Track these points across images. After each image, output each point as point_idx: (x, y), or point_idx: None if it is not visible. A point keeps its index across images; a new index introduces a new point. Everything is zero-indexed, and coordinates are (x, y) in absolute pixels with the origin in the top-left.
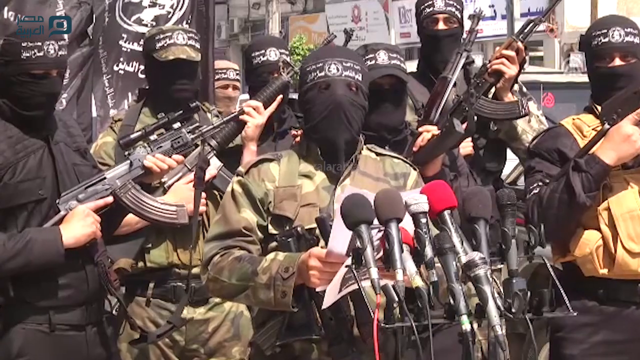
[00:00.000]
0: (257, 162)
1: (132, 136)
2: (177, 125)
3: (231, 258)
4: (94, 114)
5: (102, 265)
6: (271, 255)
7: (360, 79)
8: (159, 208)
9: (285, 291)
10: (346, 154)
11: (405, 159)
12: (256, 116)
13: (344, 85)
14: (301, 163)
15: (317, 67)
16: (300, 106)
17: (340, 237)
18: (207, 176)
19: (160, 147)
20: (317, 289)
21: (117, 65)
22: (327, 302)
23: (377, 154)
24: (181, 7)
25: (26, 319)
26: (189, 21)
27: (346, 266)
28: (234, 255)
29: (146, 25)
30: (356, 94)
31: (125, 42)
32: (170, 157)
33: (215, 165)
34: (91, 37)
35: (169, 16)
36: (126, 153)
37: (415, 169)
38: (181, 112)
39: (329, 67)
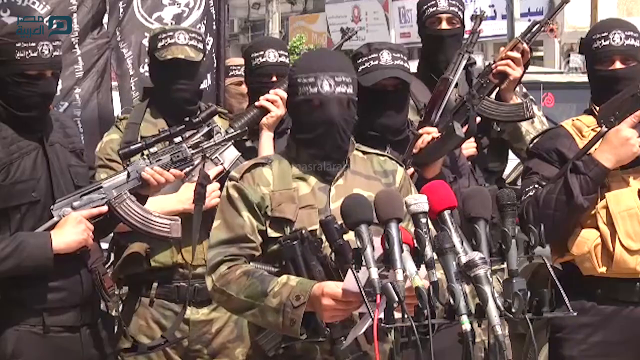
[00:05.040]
0: (250, 167)
1: (132, 147)
2: (178, 139)
3: (239, 272)
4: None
5: (97, 272)
6: (283, 279)
7: (351, 91)
8: (153, 221)
9: (294, 319)
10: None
11: (391, 156)
12: (280, 107)
13: (337, 104)
14: (293, 166)
15: (308, 81)
16: (291, 113)
17: (354, 276)
18: (218, 170)
19: (160, 160)
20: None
21: (143, 67)
22: (347, 342)
23: (364, 153)
24: (199, 7)
25: (19, 321)
26: (204, 22)
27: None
28: (242, 269)
29: (167, 24)
30: (348, 108)
31: (147, 41)
32: (168, 170)
33: (229, 160)
34: (107, 28)
35: (184, 15)
36: (125, 164)
37: (401, 165)
38: (183, 126)
39: (321, 84)
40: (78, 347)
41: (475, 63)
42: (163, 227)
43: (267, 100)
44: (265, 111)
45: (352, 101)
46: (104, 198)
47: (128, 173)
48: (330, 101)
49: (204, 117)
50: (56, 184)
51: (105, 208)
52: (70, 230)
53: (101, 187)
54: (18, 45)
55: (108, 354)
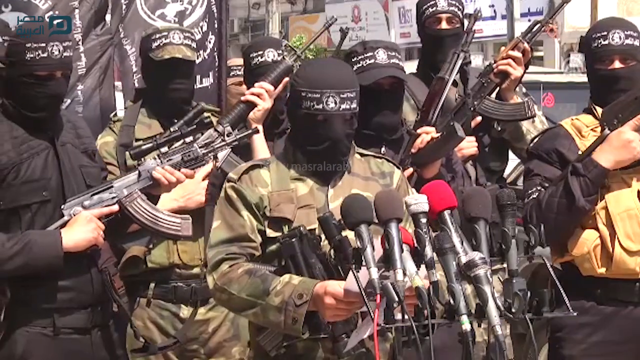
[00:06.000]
0: (248, 169)
1: (143, 147)
2: (189, 139)
3: (241, 270)
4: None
5: (107, 273)
6: (285, 278)
7: (355, 105)
8: (163, 219)
9: (296, 318)
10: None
11: (388, 158)
12: (266, 99)
13: (341, 121)
14: (291, 167)
15: (313, 97)
16: (291, 120)
17: (354, 277)
18: (210, 167)
19: (171, 159)
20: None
21: None
22: (350, 345)
23: (362, 155)
24: (202, 5)
25: (30, 322)
26: (207, 20)
27: (362, 312)
28: (244, 268)
29: (170, 22)
30: (351, 123)
31: (140, 42)
32: (179, 170)
33: (220, 157)
34: (109, 24)
35: (187, 13)
36: (136, 163)
37: (398, 167)
38: (194, 126)
39: (326, 101)
40: (88, 349)
41: (470, 62)
42: (174, 226)
43: (253, 94)
44: (252, 105)
45: (355, 114)
46: (114, 197)
47: (139, 172)
48: (334, 118)
49: (191, 117)
50: (67, 184)
51: (115, 207)
52: (80, 228)
53: (112, 186)
54: (28, 45)
55: (119, 356)
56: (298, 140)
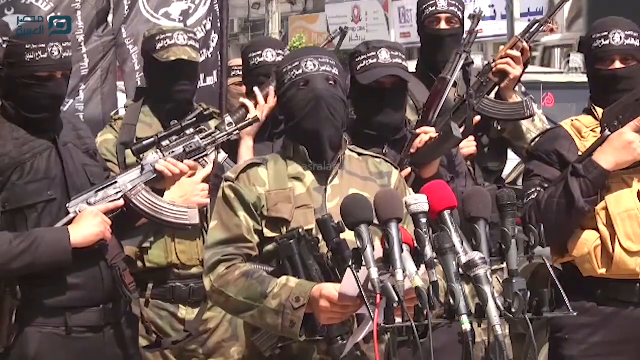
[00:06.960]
0: (245, 168)
1: (145, 143)
2: (190, 131)
3: (238, 273)
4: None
5: (117, 269)
6: (282, 280)
7: (337, 73)
8: (171, 209)
9: (293, 321)
10: (332, 152)
11: (386, 158)
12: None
13: (322, 80)
14: (289, 166)
15: (293, 66)
16: (281, 107)
17: (351, 280)
18: (209, 169)
19: (173, 152)
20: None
21: None
22: (346, 350)
23: (359, 154)
24: (205, 4)
25: (42, 322)
26: (210, 19)
27: (358, 316)
28: (241, 270)
29: (175, 20)
30: (335, 87)
31: (142, 42)
32: (182, 162)
33: (220, 159)
34: (112, 25)
35: (191, 11)
36: (138, 159)
37: (397, 168)
38: (195, 119)
39: (305, 64)
40: (101, 347)
41: (472, 63)
42: (181, 215)
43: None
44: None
45: (339, 82)
46: (119, 192)
47: (142, 167)
48: (315, 77)
49: (190, 120)
50: (71, 183)
51: (121, 202)
52: (87, 223)
53: (116, 182)
54: (28, 46)
55: (132, 354)
56: (290, 122)
